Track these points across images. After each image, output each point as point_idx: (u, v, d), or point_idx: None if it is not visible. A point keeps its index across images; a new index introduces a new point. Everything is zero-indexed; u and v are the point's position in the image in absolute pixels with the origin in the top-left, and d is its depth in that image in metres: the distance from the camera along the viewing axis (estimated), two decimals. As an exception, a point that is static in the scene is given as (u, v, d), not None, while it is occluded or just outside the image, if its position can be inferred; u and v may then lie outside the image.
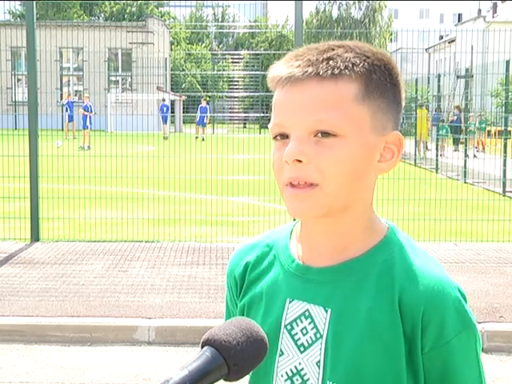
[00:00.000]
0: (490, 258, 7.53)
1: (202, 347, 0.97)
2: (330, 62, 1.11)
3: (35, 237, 7.99)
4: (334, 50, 1.14)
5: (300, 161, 1.10)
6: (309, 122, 1.10)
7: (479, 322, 5.13)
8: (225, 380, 0.97)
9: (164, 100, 22.78)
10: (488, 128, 22.24)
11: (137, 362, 4.88)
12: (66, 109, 21.87)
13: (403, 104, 1.21)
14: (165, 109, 22.36)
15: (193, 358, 0.95)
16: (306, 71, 1.11)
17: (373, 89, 1.13)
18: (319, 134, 1.10)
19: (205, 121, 23.94)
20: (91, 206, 9.61)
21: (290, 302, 1.19)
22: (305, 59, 1.13)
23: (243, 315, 1.26)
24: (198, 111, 24.61)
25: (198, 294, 5.94)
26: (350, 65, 1.12)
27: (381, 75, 1.14)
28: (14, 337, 5.22)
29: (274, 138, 1.15)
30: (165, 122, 21.79)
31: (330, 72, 1.11)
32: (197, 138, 20.17)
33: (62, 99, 23.47)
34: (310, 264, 1.19)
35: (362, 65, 1.12)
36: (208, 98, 29.17)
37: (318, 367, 1.15)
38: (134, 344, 5.20)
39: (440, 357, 1.12)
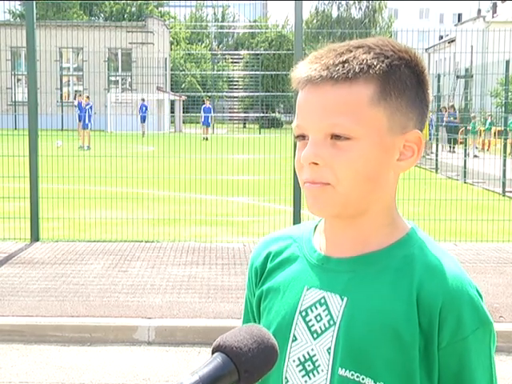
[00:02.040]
0: (489, 258, 7.53)
1: (213, 353, 0.96)
2: (345, 65, 1.12)
3: (35, 237, 7.99)
4: (351, 51, 1.14)
5: (316, 163, 1.12)
6: (324, 125, 1.12)
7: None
8: None
9: (143, 100, 23.25)
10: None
11: (137, 361, 4.88)
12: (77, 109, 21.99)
13: (430, 100, 1.20)
14: (144, 108, 23.06)
15: (203, 363, 0.94)
16: (321, 75, 1.12)
17: (390, 90, 1.13)
18: (334, 137, 1.12)
19: (209, 121, 24.08)
20: (91, 206, 9.60)
21: (308, 290, 1.21)
22: (322, 62, 1.13)
23: (260, 302, 1.28)
24: (202, 111, 24.71)
25: (197, 294, 5.94)
26: (366, 67, 1.12)
27: (400, 75, 1.14)
28: (14, 337, 5.22)
29: (297, 137, 1.18)
30: (143, 121, 22.23)
31: (344, 76, 1.11)
32: (205, 139, 20.16)
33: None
34: (331, 255, 1.21)
35: (378, 66, 1.12)
36: (208, 98, 29.18)
37: (329, 354, 1.16)
38: (134, 344, 5.20)
39: (456, 353, 1.12)
